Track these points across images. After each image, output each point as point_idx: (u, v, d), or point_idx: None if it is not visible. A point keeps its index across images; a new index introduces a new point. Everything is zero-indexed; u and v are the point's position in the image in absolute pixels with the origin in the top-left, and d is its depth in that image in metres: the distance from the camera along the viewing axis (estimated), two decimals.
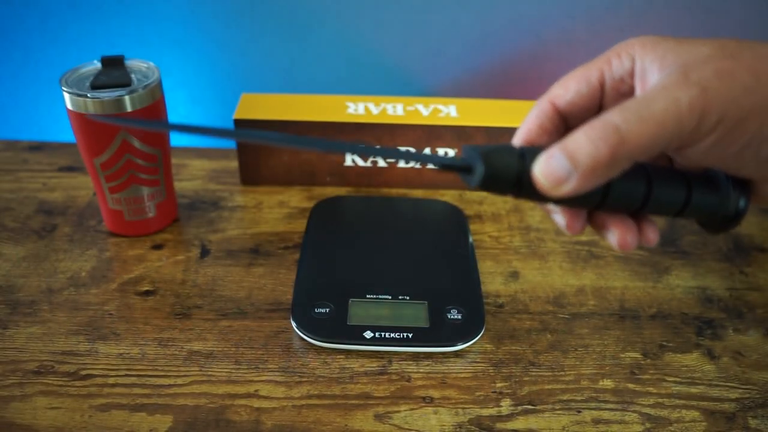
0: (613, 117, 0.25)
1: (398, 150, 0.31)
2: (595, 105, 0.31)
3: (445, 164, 0.29)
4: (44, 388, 0.42)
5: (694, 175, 0.29)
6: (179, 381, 0.42)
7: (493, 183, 0.27)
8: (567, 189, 0.25)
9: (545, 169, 0.26)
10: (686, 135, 0.25)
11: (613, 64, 0.30)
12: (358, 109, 0.61)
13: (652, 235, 0.30)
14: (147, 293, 0.49)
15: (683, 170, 0.30)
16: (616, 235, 0.30)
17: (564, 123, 0.32)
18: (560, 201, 0.29)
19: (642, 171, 0.29)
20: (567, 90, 0.31)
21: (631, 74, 0.29)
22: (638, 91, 0.29)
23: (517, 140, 0.33)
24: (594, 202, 0.29)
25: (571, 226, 0.30)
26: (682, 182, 0.29)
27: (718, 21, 0.66)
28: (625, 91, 0.30)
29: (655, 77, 0.27)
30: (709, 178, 0.29)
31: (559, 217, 0.30)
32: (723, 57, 0.26)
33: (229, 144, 0.67)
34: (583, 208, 0.30)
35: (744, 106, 0.25)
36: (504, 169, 0.27)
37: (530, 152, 0.28)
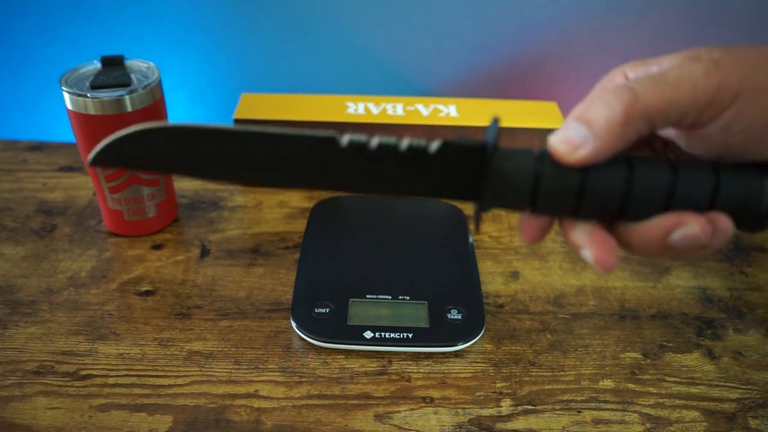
0: (630, 82, 0.25)
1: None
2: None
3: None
4: (44, 388, 0.42)
5: (722, 164, 0.28)
6: (179, 381, 0.42)
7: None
8: (585, 152, 0.25)
9: (561, 136, 0.25)
10: (703, 105, 0.25)
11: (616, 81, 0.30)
12: (358, 109, 0.61)
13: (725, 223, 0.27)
14: (147, 293, 0.49)
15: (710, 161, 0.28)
16: (592, 253, 0.28)
17: None
18: (578, 205, 0.27)
19: (664, 162, 0.27)
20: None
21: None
22: None
23: None
24: (608, 201, 0.27)
25: (602, 260, 0.27)
26: (709, 169, 0.27)
27: (718, 21, 0.66)
28: None
29: (664, 63, 0.27)
30: (738, 166, 0.27)
31: (587, 252, 0.28)
32: (720, 49, 0.26)
33: None
34: (603, 210, 0.28)
35: (759, 80, 0.25)
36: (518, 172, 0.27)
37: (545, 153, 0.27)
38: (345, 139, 0.27)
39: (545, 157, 0.27)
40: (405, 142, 0.27)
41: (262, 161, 0.28)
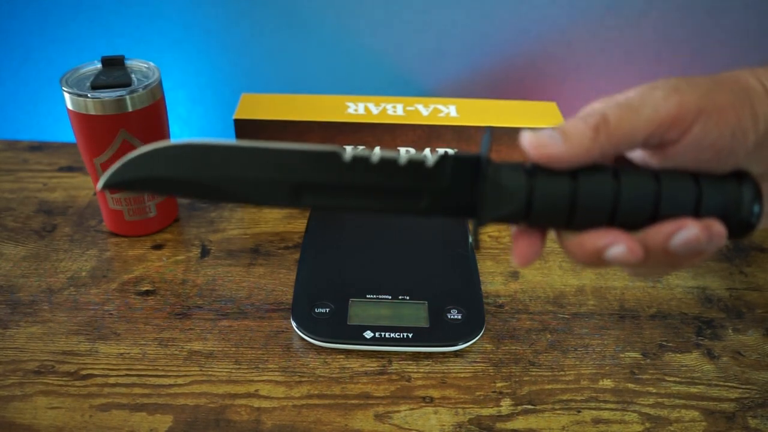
0: (597, 104, 0.28)
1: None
2: None
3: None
4: (44, 387, 0.42)
5: (702, 173, 0.29)
6: (179, 381, 0.42)
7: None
8: (552, 151, 0.27)
9: (533, 133, 0.27)
10: (667, 125, 0.27)
11: None
12: (358, 109, 0.61)
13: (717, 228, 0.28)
14: (147, 293, 0.49)
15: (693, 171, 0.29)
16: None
17: None
18: (571, 213, 0.28)
19: (649, 172, 0.28)
20: None
21: None
22: None
23: None
24: (604, 213, 0.28)
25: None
26: (690, 178, 0.28)
27: (718, 21, 0.66)
28: None
29: (630, 93, 0.29)
30: (717, 175, 0.29)
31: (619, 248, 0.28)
32: (676, 79, 0.28)
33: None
34: (593, 218, 0.28)
35: (717, 101, 0.27)
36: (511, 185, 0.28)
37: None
38: (348, 154, 0.28)
39: (537, 167, 0.28)
40: (404, 157, 0.28)
41: (265, 175, 0.28)
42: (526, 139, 0.28)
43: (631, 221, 0.28)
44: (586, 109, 0.28)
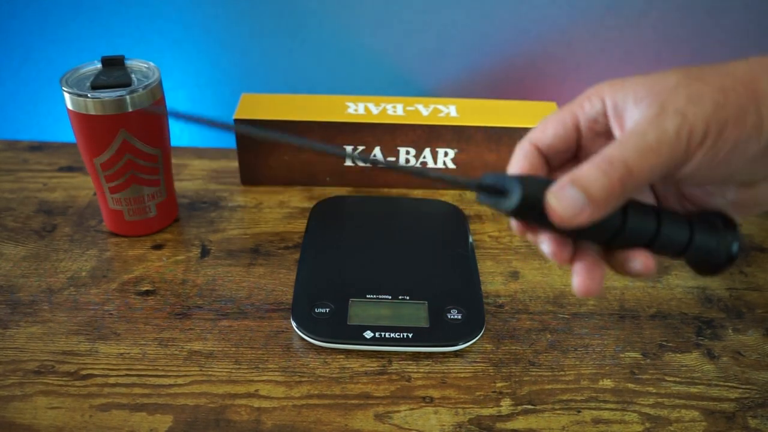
0: (616, 152, 0.28)
1: (427, 170, 0.31)
2: (573, 146, 0.33)
3: (482, 186, 0.29)
4: (44, 387, 0.42)
5: (695, 217, 0.32)
6: (179, 381, 0.42)
7: (529, 208, 0.29)
8: (582, 219, 0.28)
9: (560, 203, 0.28)
10: (680, 156, 0.28)
11: (585, 107, 0.32)
12: (358, 109, 0.61)
13: (649, 261, 0.32)
14: (147, 293, 0.49)
15: (685, 213, 0.32)
16: (579, 281, 0.31)
17: (546, 164, 0.34)
18: (578, 235, 0.30)
19: (652, 211, 0.31)
20: (545, 134, 0.33)
21: (604, 114, 0.31)
22: (615, 127, 0.31)
23: None
24: (606, 238, 0.30)
25: (558, 254, 0.31)
26: (686, 223, 0.31)
27: (718, 21, 0.66)
28: (600, 130, 0.32)
29: (633, 111, 0.29)
30: (708, 221, 0.32)
31: (545, 245, 0.32)
32: (690, 82, 0.28)
33: (229, 143, 0.67)
34: (597, 242, 0.31)
35: (720, 119, 0.28)
36: (540, 194, 0.29)
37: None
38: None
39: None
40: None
41: None
42: (553, 209, 0.28)
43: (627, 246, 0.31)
44: (605, 155, 0.28)
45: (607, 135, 0.32)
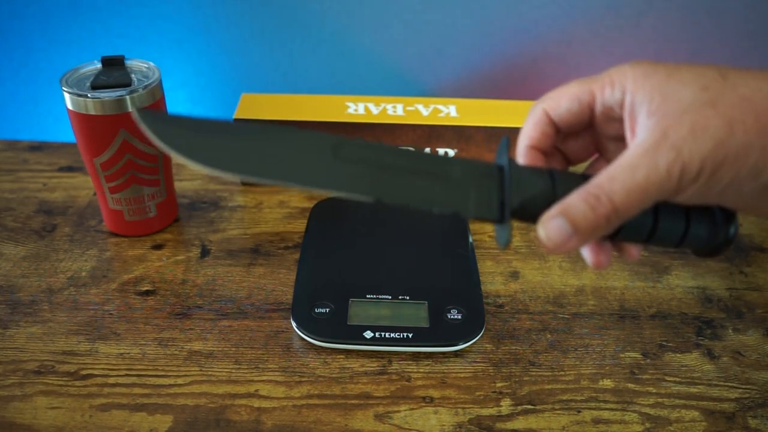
0: (606, 185, 0.28)
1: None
2: (585, 123, 0.33)
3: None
4: (44, 387, 0.42)
5: (690, 207, 0.32)
6: (179, 381, 0.42)
7: (527, 211, 0.30)
8: (570, 247, 0.29)
9: (548, 234, 0.29)
10: (669, 192, 0.28)
11: (605, 92, 0.31)
12: (358, 109, 0.61)
13: (635, 251, 0.33)
14: (147, 293, 0.49)
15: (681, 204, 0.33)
16: (591, 257, 0.33)
17: (557, 132, 0.34)
18: None
19: (650, 208, 0.31)
20: (559, 105, 0.33)
21: (621, 106, 0.31)
22: (627, 128, 0.31)
23: (522, 146, 0.34)
24: (607, 235, 0.31)
25: (598, 262, 0.33)
26: (682, 215, 0.31)
27: (718, 21, 0.66)
28: (615, 117, 0.32)
29: (642, 124, 0.29)
30: (703, 209, 0.32)
31: (586, 253, 0.33)
32: (702, 105, 0.28)
33: None
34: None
35: (717, 158, 0.27)
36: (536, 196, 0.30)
37: (559, 176, 0.31)
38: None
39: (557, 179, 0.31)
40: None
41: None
42: (542, 240, 0.29)
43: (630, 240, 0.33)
44: (592, 187, 0.29)
45: (620, 122, 0.31)
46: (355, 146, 0.30)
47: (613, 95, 0.31)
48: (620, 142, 0.33)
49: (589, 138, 0.35)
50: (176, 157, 0.28)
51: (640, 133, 0.29)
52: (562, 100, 0.33)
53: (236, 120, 0.59)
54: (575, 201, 0.29)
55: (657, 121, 0.29)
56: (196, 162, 0.28)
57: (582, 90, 0.32)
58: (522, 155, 0.34)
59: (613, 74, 0.31)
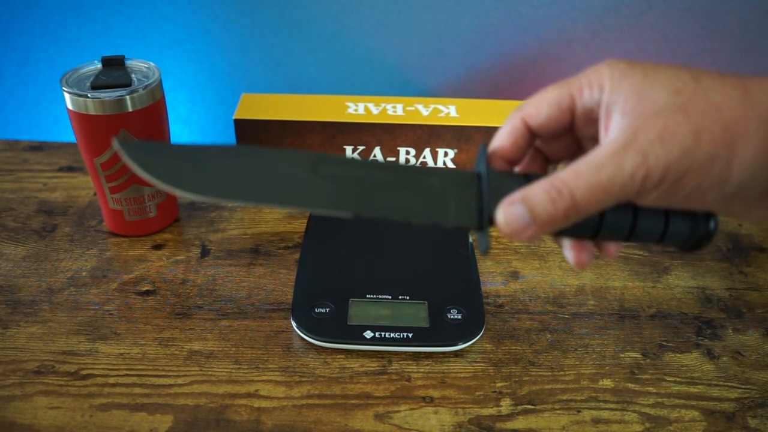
0: (570, 181, 0.28)
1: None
2: (566, 127, 0.33)
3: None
4: (45, 387, 0.42)
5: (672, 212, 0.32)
6: (179, 381, 0.42)
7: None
8: (526, 236, 0.29)
9: (507, 218, 0.29)
10: (631, 194, 0.28)
11: (584, 93, 0.31)
12: (358, 109, 0.61)
13: (613, 249, 0.34)
14: (147, 293, 0.49)
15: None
16: (573, 255, 0.33)
17: (534, 138, 0.34)
18: (559, 232, 0.31)
19: (629, 206, 0.31)
20: (539, 113, 0.33)
21: (599, 105, 0.31)
22: (601, 126, 0.31)
23: (489, 154, 0.35)
24: (587, 235, 0.31)
25: (579, 261, 0.33)
26: (661, 214, 0.31)
27: (717, 21, 0.66)
28: (594, 118, 0.32)
29: (615, 124, 0.29)
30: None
31: (568, 252, 0.33)
32: (674, 110, 0.28)
33: (230, 140, 0.67)
34: (576, 238, 0.32)
35: (682, 167, 0.27)
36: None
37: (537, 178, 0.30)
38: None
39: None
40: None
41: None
42: (500, 225, 0.30)
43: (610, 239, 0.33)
44: (556, 180, 0.29)
45: (597, 124, 0.31)
46: (333, 163, 0.31)
47: (592, 96, 0.31)
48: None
49: (570, 138, 0.35)
50: (160, 186, 0.29)
51: (612, 132, 0.29)
52: (542, 108, 0.32)
53: (236, 120, 0.59)
54: (537, 191, 0.29)
55: (629, 122, 0.29)
56: (181, 190, 0.29)
57: (561, 94, 0.32)
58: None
59: (590, 75, 0.31)
